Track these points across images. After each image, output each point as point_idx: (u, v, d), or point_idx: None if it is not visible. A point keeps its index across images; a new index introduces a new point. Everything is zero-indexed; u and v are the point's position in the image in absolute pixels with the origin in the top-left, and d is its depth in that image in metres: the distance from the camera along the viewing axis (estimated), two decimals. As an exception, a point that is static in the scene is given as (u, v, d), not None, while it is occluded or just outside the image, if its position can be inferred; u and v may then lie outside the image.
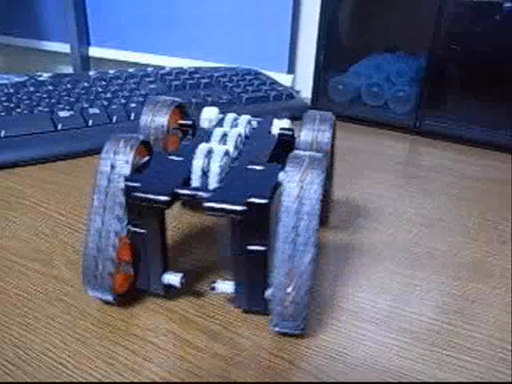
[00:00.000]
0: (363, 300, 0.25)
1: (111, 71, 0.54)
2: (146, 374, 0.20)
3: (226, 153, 0.23)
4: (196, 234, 0.31)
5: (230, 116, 0.29)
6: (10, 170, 0.38)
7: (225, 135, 0.26)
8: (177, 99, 0.30)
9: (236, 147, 0.25)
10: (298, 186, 0.20)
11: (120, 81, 0.52)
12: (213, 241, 0.30)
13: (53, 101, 0.45)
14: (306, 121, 0.28)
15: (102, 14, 0.84)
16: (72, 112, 0.43)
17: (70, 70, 0.84)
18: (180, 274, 0.23)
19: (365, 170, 0.42)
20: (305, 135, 0.27)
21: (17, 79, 0.49)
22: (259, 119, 0.30)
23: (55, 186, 0.36)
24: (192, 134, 0.30)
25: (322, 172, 0.21)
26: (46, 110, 0.43)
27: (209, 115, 0.29)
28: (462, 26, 0.49)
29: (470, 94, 0.49)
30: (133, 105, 0.46)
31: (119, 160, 0.22)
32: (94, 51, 0.85)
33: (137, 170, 0.23)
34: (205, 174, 0.22)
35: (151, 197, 0.21)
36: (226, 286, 0.23)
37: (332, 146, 0.29)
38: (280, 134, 0.28)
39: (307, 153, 0.22)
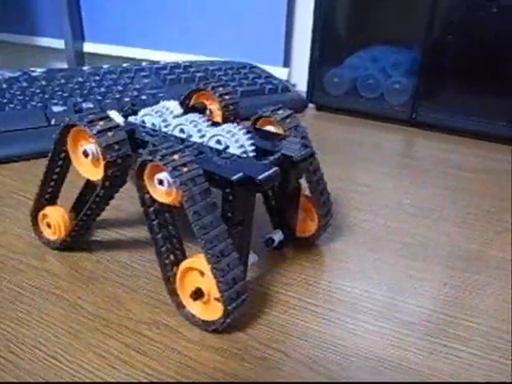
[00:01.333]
0: (359, 291, 0.25)
1: (105, 66, 0.54)
2: (139, 366, 0.20)
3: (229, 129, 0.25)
4: None
5: (147, 111, 0.27)
6: (3, 165, 0.38)
7: (197, 124, 0.26)
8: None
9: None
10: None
11: (114, 75, 0.51)
12: None
13: (46, 96, 0.45)
14: None
15: (96, 9, 0.83)
16: (65, 107, 0.43)
17: (64, 65, 0.83)
18: (252, 252, 0.24)
19: (360, 162, 0.42)
20: None
21: (10, 74, 0.48)
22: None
23: (49, 180, 0.35)
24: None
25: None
26: (40, 105, 0.43)
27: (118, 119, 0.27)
28: (457, 17, 0.48)
29: (466, 85, 0.49)
30: (127, 99, 0.46)
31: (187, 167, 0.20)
32: (89, 47, 0.85)
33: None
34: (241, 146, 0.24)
35: (273, 174, 0.22)
36: (278, 235, 0.27)
37: None
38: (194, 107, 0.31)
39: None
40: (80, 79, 0.49)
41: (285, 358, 0.20)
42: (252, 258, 0.24)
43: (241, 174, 0.21)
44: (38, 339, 0.21)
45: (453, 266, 0.27)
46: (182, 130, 0.26)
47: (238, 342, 0.21)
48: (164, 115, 0.27)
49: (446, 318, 0.23)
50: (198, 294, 0.21)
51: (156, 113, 0.27)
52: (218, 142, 0.24)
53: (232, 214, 0.21)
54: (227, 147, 0.24)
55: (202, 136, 0.25)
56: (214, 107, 0.31)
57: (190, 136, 0.25)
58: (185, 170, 0.20)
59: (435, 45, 0.50)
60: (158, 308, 0.23)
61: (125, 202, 0.31)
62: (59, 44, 0.85)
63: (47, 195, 0.27)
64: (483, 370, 0.20)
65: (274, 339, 0.21)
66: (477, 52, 0.48)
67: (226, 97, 0.31)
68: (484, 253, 0.29)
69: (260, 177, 0.21)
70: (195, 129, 0.25)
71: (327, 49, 0.55)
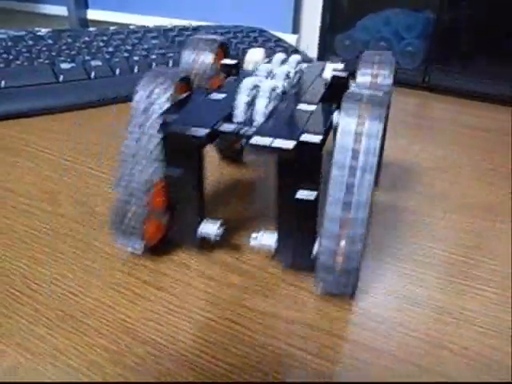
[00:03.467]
0: (376, 236, 0.24)
1: (112, 28, 0.53)
2: (160, 302, 0.19)
3: (274, 88, 0.21)
4: (237, 186, 0.29)
5: (278, 56, 0.26)
6: (13, 120, 0.37)
7: (271, 72, 0.23)
8: (220, 38, 0.26)
9: (283, 86, 0.22)
10: (355, 123, 0.17)
11: (122, 36, 0.50)
12: (256, 194, 0.28)
13: (53, 54, 0.44)
14: (364, 60, 0.24)
15: (100, -24, 0.81)
16: (73, 64, 0.42)
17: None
18: (218, 222, 0.21)
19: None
20: (362, 77, 0.23)
21: (14, 33, 0.47)
22: (310, 64, 0.27)
23: (59, 135, 0.35)
24: (237, 76, 0.26)
25: (382, 109, 0.17)
26: (47, 61, 0.42)
27: (255, 57, 0.26)
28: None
29: (481, 48, 0.48)
30: (136, 58, 0.45)
31: (157, 94, 0.20)
32: (93, 14, 0.83)
33: (176, 105, 0.20)
34: (250, 109, 0.20)
35: (189, 131, 0.18)
36: (268, 238, 0.20)
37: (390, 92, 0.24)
38: (333, 77, 0.24)
39: (366, 90, 0.19)
40: (87, 39, 0.48)
41: (306, 294, 0.20)
42: (206, 226, 0.21)
43: (176, 116, 0.19)
44: (56, 276, 0.20)
45: (472, 214, 0.27)
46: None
47: (261, 280, 0.21)
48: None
49: (468, 261, 0.23)
50: None
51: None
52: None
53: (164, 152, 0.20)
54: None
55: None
56: None
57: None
58: None
59: (450, 6, 0.48)
60: (177, 246, 0.23)
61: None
62: (62, 11, 0.84)
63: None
64: (510, 308, 0.20)
65: (297, 278, 0.21)
66: (492, 14, 0.47)
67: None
68: (503, 204, 0.28)
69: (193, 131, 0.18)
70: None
71: (338, 11, 0.54)
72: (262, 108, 0.20)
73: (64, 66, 0.42)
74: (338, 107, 0.19)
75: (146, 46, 0.48)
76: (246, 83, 0.20)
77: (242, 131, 0.19)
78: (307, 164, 0.18)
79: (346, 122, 0.17)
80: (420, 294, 0.20)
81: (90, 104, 0.40)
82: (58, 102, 0.39)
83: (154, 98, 0.20)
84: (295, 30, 0.69)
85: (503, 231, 0.25)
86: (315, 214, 0.19)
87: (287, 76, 0.23)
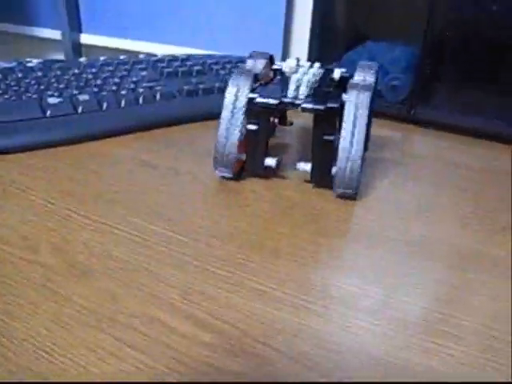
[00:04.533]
0: (353, 288, 0.25)
1: (102, 58, 0.54)
2: (130, 361, 0.20)
3: (309, 80, 0.34)
4: (278, 145, 0.44)
5: (306, 64, 0.39)
6: (-2, 156, 0.37)
7: (305, 72, 0.36)
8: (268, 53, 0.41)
9: (314, 79, 0.35)
10: (355, 99, 0.32)
11: (111, 67, 0.51)
12: (290, 148, 0.44)
13: (42, 87, 0.44)
14: (360, 66, 0.37)
15: (94, 0, 0.82)
16: (61, 99, 0.43)
17: (61, 56, 0.83)
18: (275, 158, 0.35)
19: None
20: (358, 76, 0.36)
21: (5, 65, 0.48)
22: (324, 68, 0.40)
23: (44, 173, 0.35)
24: (280, 75, 0.40)
25: (370, 91, 0.32)
26: (35, 96, 0.42)
27: (290, 64, 0.38)
28: (457, 13, 0.48)
29: (466, 83, 0.49)
30: (123, 92, 0.46)
31: (242, 83, 0.33)
32: (86, 38, 0.84)
33: (253, 90, 0.34)
34: (296, 92, 0.33)
35: (267, 101, 0.33)
36: (305, 166, 0.34)
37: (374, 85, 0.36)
38: (341, 76, 0.38)
39: (360, 83, 0.33)
40: (76, 71, 0.49)
41: (277, 355, 0.20)
42: (269, 160, 0.34)
43: (257, 95, 0.33)
44: (29, 333, 0.21)
45: (450, 264, 0.27)
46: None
47: (231, 338, 0.21)
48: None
49: (439, 316, 0.23)
50: None
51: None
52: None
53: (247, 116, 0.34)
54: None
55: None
56: None
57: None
58: None
59: (435, 41, 0.49)
60: (150, 302, 0.23)
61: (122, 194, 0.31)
62: (56, 35, 0.84)
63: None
64: (476, 368, 0.20)
65: (266, 335, 0.21)
66: (477, 49, 0.48)
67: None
68: (481, 251, 0.29)
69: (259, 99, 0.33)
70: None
71: (326, 44, 0.55)
72: (304, 91, 0.33)
73: (52, 100, 0.42)
74: (345, 91, 0.33)
75: (134, 79, 0.49)
76: (294, 78, 0.34)
77: (295, 101, 0.33)
78: (330, 119, 0.32)
79: (350, 98, 0.32)
80: (387, 352, 0.21)
81: (76, 140, 0.41)
82: (45, 138, 0.40)
83: (240, 87, 0.33)
84: (284, 59, 0.70)
85: (477, 282, 0.26)
86: (333, 150, 0.32)
87: (314, 74, 0.36)
